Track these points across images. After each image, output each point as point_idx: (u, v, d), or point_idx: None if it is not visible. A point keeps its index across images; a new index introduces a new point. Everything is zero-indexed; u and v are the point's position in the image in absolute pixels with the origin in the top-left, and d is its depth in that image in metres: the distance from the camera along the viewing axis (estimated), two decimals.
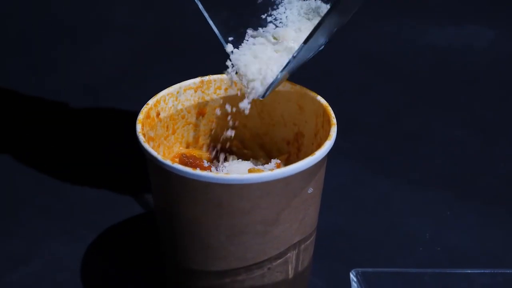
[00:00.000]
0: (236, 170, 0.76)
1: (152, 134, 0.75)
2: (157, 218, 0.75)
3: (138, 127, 0.72)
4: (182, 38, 1.16)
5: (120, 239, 0.83)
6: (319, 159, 0.70)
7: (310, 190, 0.71)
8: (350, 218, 0.85)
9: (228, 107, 0.79)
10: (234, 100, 0.79)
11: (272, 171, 0.68)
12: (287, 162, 0.78)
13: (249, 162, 0.78)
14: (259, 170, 0.74)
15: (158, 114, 0.75)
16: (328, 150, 0.71)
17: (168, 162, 0.68)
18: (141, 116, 0.73)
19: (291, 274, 0.74)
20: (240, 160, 0.78)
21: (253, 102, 0.78)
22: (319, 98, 0.76)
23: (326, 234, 0.82)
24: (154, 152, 0.69)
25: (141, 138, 0.71)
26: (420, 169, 0.92)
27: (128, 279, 0.79)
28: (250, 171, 0.74)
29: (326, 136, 0.72)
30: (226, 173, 0.70)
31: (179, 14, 1.22)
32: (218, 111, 0.80)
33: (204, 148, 0.80)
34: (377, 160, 0.94)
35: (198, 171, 0.68)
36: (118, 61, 1.12)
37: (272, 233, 0.70)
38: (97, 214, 0.85)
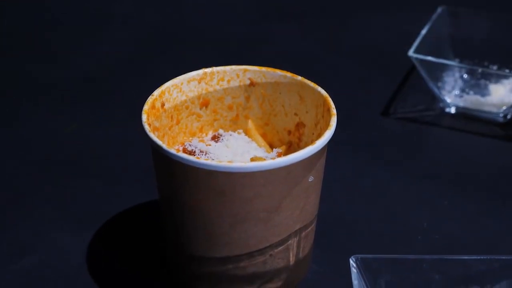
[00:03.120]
0: (236, 144, 0.77)
1: (157, 124, 0.76)
2: (161, 206, 0.76)
3: (144, 117, 0.73)
4: (182, 30, 1.16)
5: (124, 227, 0.84)
6: (320, 148, 0.71)
7: (311, 179, 0.72)
8: (350, 207, 0.86)
9: (230, 99, 0.81)
10: (237, 91, 0.80)
11: (274, 159, 0.69)
12: (288, 151, 0.80)
13: (252, 143, 0.79)
14: (261, 159, 0.75)
15: (163, 105, 0.77)
16: (328, 140, 0.72)
17: (172, 151, 0.69)
18: (146, 107, 0.74)
19: (292, 260, 0.75)
20: (243, 140, 0.79)
21: (255, 93, 0.80)
22: (319, 89, 0.77)
23: (326, 222, 0.83)
24: (159, 141, 0.70)
25: (147, 127, 0.72)
26: (418, 160, 0.93)
27: (131, 266, 0.79)
28: (252, 159, 0.75)
29: (326, 126, 0.73)
30: (229, 161, 0.71)
31: (180, 6, 1.22)
32: (221, 102, 0.81)
33: (208, 138, 0.81)
34: (377, 151, 0.94)
35: (201, 160, 0.69)
36: (118, 53, 1.12)
37: (274, 221, 0.71)
38: (102, 204, 0.86)
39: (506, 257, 0.72)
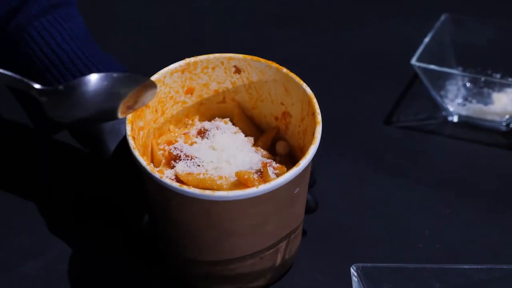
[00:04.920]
0: (222, 142, 0.75)
1: (141, 123, 0.75)
2: (152, 213, 0.76)
3: (128, 128, 0.72)
4: (185, 35, 1.16)
5: (130, 234, 0.83)
6: (304, 167, 0.70)
7: (297, 190, 0.71)
8: (351, 215, 0.86)
9: (215, 84, 0.79)
10: (222, 77, 0.79)
11: (257, 187, 0.68)
12: (276, 137, 0.78)
13: (238, 135, 0.77)
14: (247, 173, 0.72)
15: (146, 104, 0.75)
16: (312, 156, 0.71)
17: (156, 175, 0.69)
18: (130, 115, 0.73)
19: (278, 261, 0.75)
20: (229, 132, 0.77)
21: (241, 79, 0.78)
22: (305, 86, 0.75)
23: (328, 230, 0.83)
24: (143, 163, 0.69)
25: (131, 143, 0.71)
26: (420, 169, 0.93)
27: (134, 267, 0.80)
28: (237, 174, 0.72)
29: (312, 130, 0.72)
30: (212, 191, 0.68)
31: (183, 11, 1.22)
32: (206, 88, 0.79)
33: (194, 133, 0.78)
34: (379, 159, 0.94)
35: (184, 188, 0.68)
36: (122, 58, 1.12)
37: (262, 232, 0.71)
38: (105, 209, 0.86)
39: (507, 266, 0.72)
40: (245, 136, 0.78)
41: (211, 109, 0.80)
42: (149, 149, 0.78)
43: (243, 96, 0.80)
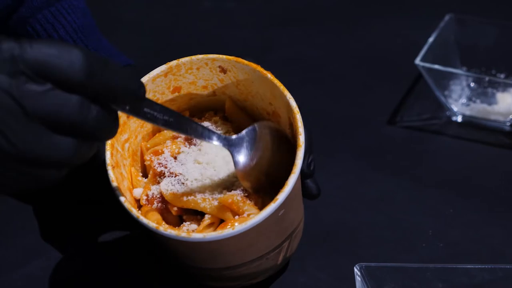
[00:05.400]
0: (209, 154, 0.73)
1: (125, 136, 0.74)
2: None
3: (107, 156, 0.71)
4: (187, 36, 1.17)
5: (129, 228, 0.84)
6: (282, 201, 0.68)
7: (281, 212, 0.70)
8: (355, 214, 0.86)
9: (202, 81, 0.77)
10: (209, 75, 0.76)
11: (233, 228, 0.66)
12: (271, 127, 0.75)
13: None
14: (231, 196, 0.71)
15: (128, 116, 0.73)
16: (291, 187, 0.68)
17: (143, 221, 0.68)
18: (109, 140, 0.70)
19: (280, 260, 0.75)
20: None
21: (228, 77, 0.76)
22: (289, 97, 0.72)
23: (331, 229, 0.83)
24: (122, 199, 0.69)
25: (111, 175, 0.70)
26: (424, 168, 0.93)
27: (137, 268, 0.80)
28: (221, 201, 0.71)
29: (295, 145, 0.70)
30: (188, 233, 0.67)
31: (184, 13, 1.22)
32: (194, 85, 0.77)
33: (181, 139, 0.76)
34: (383, 159, 0.94)
35: (161, 229, 0.67)
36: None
37: (255, 248, 0.71)
38: (107, 212, 0.85)
39: (510, 266, 0.72)
40: (238, 128, 0.76)
41: (202, 102, 0.79)
42: (139, 153, 0.77)
43: (233, 90, 0.78)
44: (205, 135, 0.67)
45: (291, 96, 0.72)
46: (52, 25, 0.80)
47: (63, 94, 0.53)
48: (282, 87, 0.73)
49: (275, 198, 0.68)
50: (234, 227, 0.67)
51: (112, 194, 0.70)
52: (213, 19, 1.22)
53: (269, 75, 0.73)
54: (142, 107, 0.60)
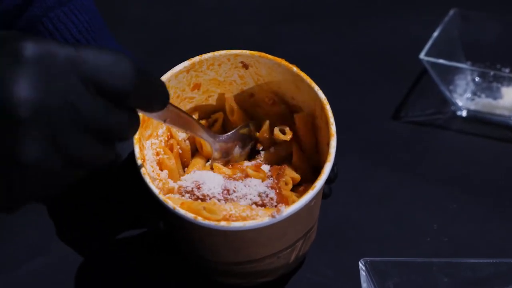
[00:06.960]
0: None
1: (149, 132, 0.74)
2: (166, 222, 0.76)
3: (136, 150, 0.70)
4: (191, 33, 1.17)
5: (133, 229, 0.84)
6: (319, 188, 0.68)
7: (313, 202, 0.70)
8: (359, 210, 0.86)
9: (222, 78, 0.77)
10: (229, 71, 0.76)
11: (274, 217, 0.66)
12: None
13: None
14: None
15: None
16: (328, 175, 0.68)
17: (170, 205, 0.67)
18: (136, 134, 0.70)
19: (292, 258, 0.75)
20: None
21: (250, 73, 0.76)
22: (317, 89, 0.73)
23: (336, 225, 0.83)
24: (156, 191, 0.67)
25: (142, 169, 0.69)
26: (429, 163, 0.93)
27: (141, 266, 0.80)
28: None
29: (326, 136, 0.70)
30: (227, 222, 0.67)
31: (189, 9, 1.23)
32: (213, 82, 0.77)
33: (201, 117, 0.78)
34: (387, 154, 0.94)
35: (199, 220, 0.66)
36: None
37: (281, 240, 0.71)
38: (112, 210, 0.86)
39: None
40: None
41: (219, 100, 0.79)
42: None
43: (252, 87, 0.78)
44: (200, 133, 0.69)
45: (319, 88, 0.73)
46: (65, 24, 0.80)
47: (110, 105, 0.53)
48: (309, 79, 0.73)
49: (313, 185, 0.67)
50: (274, 215, 0.66)
51: (133, 189, 0.70)
52: (217, 15, 1.22)
53: (295, 69, 0.74)
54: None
